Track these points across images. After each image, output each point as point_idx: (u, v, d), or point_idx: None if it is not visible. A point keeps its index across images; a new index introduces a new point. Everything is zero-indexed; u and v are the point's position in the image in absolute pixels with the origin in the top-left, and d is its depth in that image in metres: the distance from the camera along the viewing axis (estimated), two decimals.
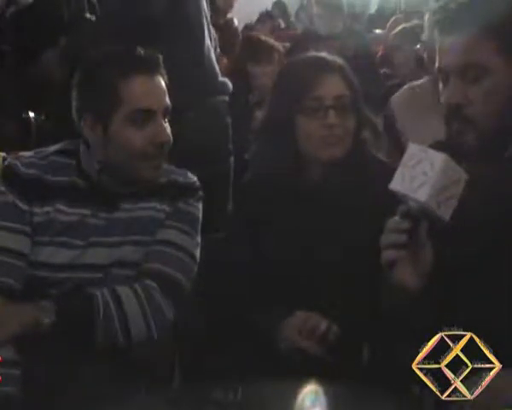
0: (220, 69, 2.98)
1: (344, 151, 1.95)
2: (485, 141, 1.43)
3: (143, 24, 2.47)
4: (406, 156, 1.36)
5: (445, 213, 1.32)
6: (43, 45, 3.12)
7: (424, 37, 2.68)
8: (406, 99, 2.74)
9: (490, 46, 1.41)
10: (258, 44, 3.89)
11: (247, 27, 7.40)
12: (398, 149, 2.65)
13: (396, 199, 1.37)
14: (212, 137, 2.74)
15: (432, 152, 1.34)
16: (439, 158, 1.32)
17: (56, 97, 2.80)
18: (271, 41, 4.03)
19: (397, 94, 2.82)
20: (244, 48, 4.00)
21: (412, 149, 1.37)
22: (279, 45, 4.04)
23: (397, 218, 1.36)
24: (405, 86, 2.85)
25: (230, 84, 2.93)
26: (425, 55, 2.68)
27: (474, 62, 1.41)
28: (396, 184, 1.35)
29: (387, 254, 1.36)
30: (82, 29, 2.90)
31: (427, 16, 2.74)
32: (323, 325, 1.82)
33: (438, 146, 1.42)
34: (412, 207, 1.34)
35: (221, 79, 2.90)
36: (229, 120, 2.92)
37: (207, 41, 2.82)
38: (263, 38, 4.08)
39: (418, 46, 2.64)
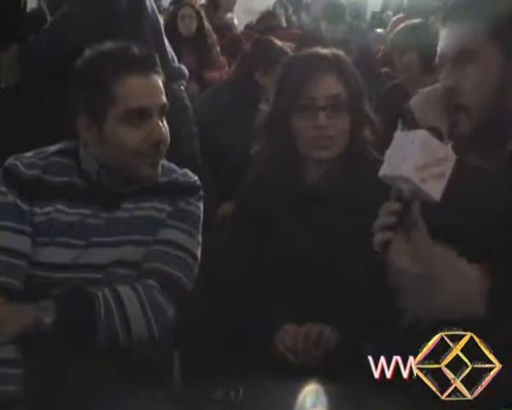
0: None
1: (336, 152, 1.93)
2: (481, 132, 1.43)
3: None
4: (392, 144, 1.34)
5: (434, 191, 1.28)
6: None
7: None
8: (423, 103, 2.71)
9: (480, 32, 1.42)
10: (273, 49, 3.67)
11: (248, 27, 7.39)
12: None
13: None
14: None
15: (413, 131, 1.32)
16: (419, 134, 1.30)
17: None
18: (283, 46, 3.81)
19: (415, 97, 2.79)
20: (255, 52, 3.78)
21: (397, 135, 1.35)
22: (288, 48, 3.89)
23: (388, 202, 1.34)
24: (423, 89, 2.82)
25: (186, 70, 3.04)
26: None
27: (464, 47, 1.42)
28: (383, 170, 1.34)
29: (377, 237, 1.33)
30: (40, 33, 2.87)
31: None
32: (313, 335, 1.83)
33: (430, 130, 1.40)
34: (401, 188, 1.31)
35: (176, 64, 2.99)
36: (188, 102, 3.04)
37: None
38: (276, 42, 3.84)
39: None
